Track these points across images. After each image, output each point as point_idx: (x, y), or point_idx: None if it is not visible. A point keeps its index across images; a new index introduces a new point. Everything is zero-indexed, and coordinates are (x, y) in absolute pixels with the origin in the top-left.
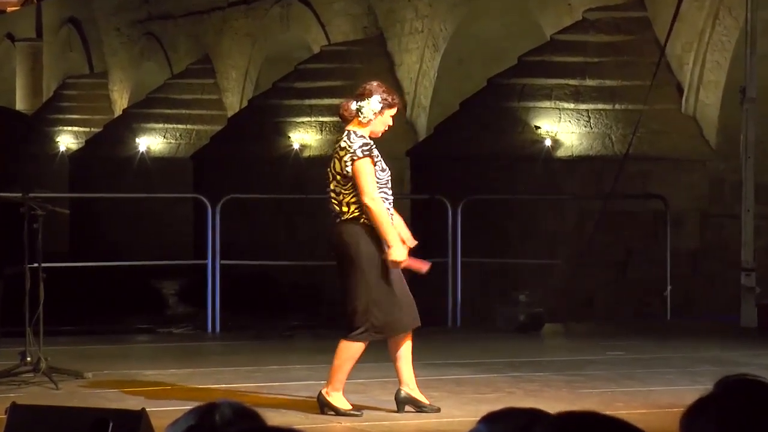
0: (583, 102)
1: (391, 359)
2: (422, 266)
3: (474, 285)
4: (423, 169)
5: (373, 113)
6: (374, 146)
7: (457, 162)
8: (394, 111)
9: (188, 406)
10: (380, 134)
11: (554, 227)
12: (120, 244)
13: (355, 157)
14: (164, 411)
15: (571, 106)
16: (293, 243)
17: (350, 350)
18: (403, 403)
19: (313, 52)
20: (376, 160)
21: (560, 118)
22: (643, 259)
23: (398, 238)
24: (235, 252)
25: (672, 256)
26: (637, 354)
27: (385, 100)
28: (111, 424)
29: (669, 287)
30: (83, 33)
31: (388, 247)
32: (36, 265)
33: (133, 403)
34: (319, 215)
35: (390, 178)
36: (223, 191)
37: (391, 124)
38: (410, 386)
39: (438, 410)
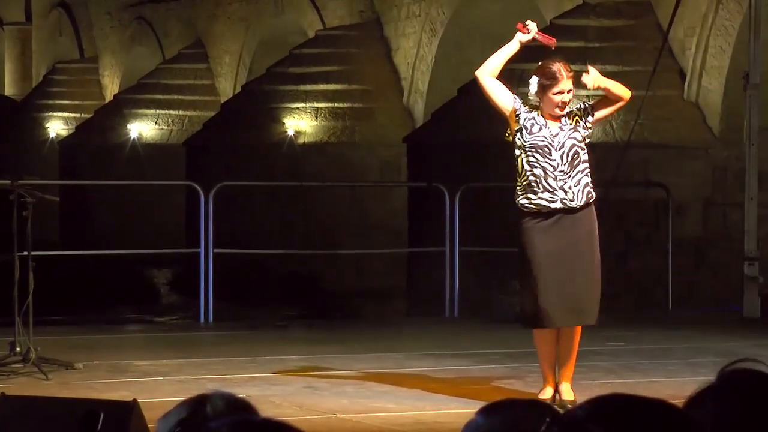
0: (584, 88)
1: None
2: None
3: (472, 274)
4: (420, 156)
5: (535, 94)
6: (535, 116)
7: (455, 149)
8: (556, 88)
9: (180, 397)
10: (561, 113)
11: None
12: (111, 232)
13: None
14: (156, 402)
15: None
16: (288, 231)
17: (535, 339)
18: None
19: (308, 36)
20: (522, 114)
21: None
22: (645, 248)
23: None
24: (228, 240)
25: (674, 245)
26: (638, 345)
27: (541, 83)
28: (102, 416)
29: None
30: (73, 17)
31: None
32: (25, 253)
33: (124, 393)
34: (314, 203)
35: (553, 148)
36: (216, 178)
37: (559, 101)
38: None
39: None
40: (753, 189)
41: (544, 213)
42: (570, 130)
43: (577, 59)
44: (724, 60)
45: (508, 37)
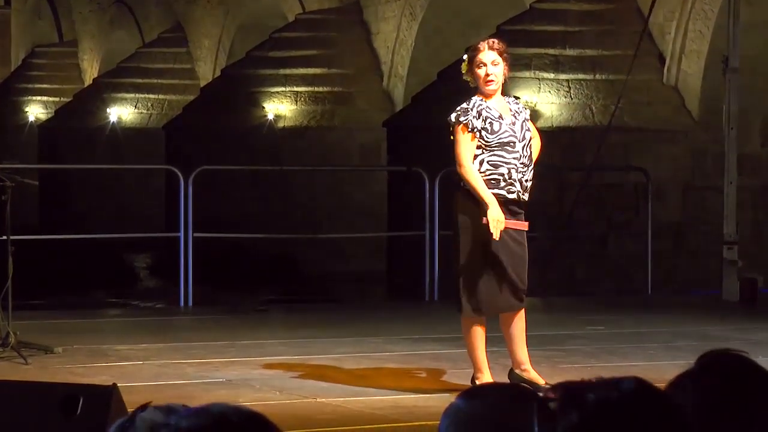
0: (563, 72)
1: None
2: (521, 227)
3: (452, 258)
4: (400, 140)
5: (467, 74)
6: (483, 107)
7: (434, 133)
8: (478, 59)
9: (160, 382)
10: (491, 88)
11: (534, 199)
12: (90, 216)
13: (451, 127)
14: (135, 386)
15: (551, 76)
16: (267, 215)
17: (466, 328)
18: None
19: (287, 20)
20: (477, 123)
21: (540, 88)
22: (624, 232)
23: (494, 200)
24: (207, 224)
25: (653, 229)
26: (618, 329)
27: (467, 56)
28: (81, 400)
29: None
30: (52, 1)
31: (486, 207)
32: (5, 237)
33: (103, 378)
34: (294, 187)
35: (517, 140)
36: (196, 162)
37: (486, 73)
38: (523, 367)
39: None
40: (732, 173)
41: (498, 201)
42: (525, 121)
43: (558, 43)
44: (703, 44)
45: (488, 21)
